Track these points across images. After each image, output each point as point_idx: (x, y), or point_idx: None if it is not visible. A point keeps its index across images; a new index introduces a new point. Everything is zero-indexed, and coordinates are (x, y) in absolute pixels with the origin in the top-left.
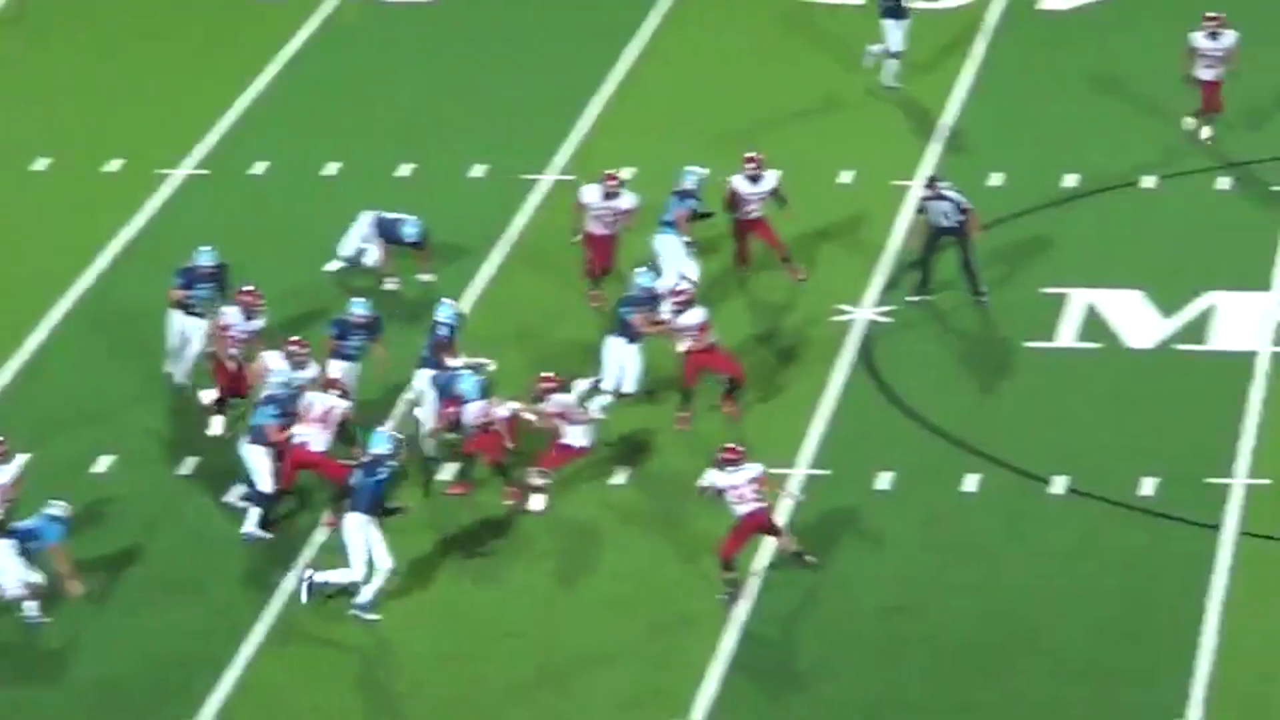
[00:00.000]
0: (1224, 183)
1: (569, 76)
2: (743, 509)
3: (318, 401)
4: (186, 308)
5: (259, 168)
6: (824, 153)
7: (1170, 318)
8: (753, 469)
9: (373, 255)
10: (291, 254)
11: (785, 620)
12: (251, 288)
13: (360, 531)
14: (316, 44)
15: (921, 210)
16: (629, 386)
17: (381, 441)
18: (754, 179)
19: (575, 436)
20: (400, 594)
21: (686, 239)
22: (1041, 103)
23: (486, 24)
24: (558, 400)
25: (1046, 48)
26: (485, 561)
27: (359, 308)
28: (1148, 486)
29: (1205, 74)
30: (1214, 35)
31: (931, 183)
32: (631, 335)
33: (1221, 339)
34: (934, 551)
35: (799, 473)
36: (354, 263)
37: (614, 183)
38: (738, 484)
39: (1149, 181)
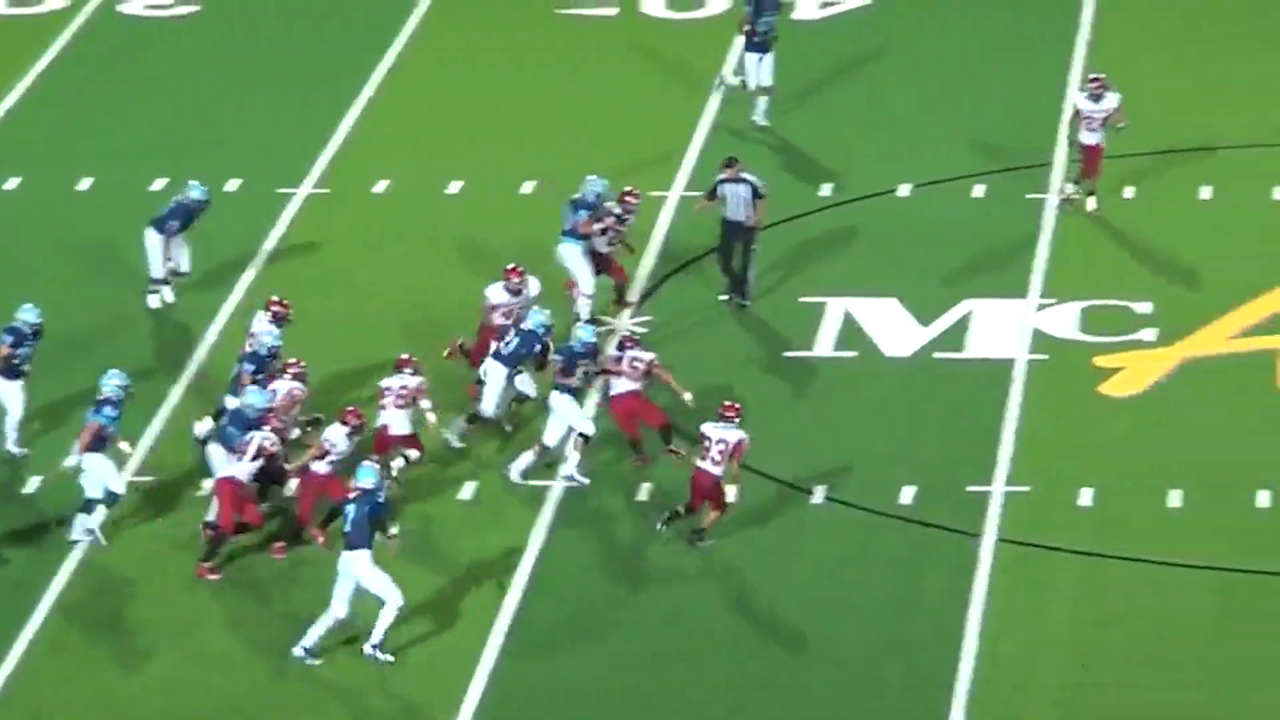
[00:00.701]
0: (979, 190)
1: (323, 91)
2: (700, 464)
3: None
4: (12, 369)
5: (11, 184)
6: (577, 163)
7: (928, 325)
8: (731, 435)
9: (182, 261)
10: (48, 271)
11: (552, 635)
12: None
13: (363, 567)
14: (67, 60)
15: (714, 194)
16: (585, 429)
17: (368, 474)
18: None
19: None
20: (173, 602)
21: (588, 242)
22: (796, 111)
23: (238, 39)
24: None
25: (795, 55)
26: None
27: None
28: (908, 495)
29: (1088, 138)
30: (1097, 97)
31: (731, 163)
32: (571, 389)
33: (979, 346)
34: (698, 562)
35: (559, 484)
36: (175, 274)
37: (518, 278)
38: (711, 439)
39: (905, 189)
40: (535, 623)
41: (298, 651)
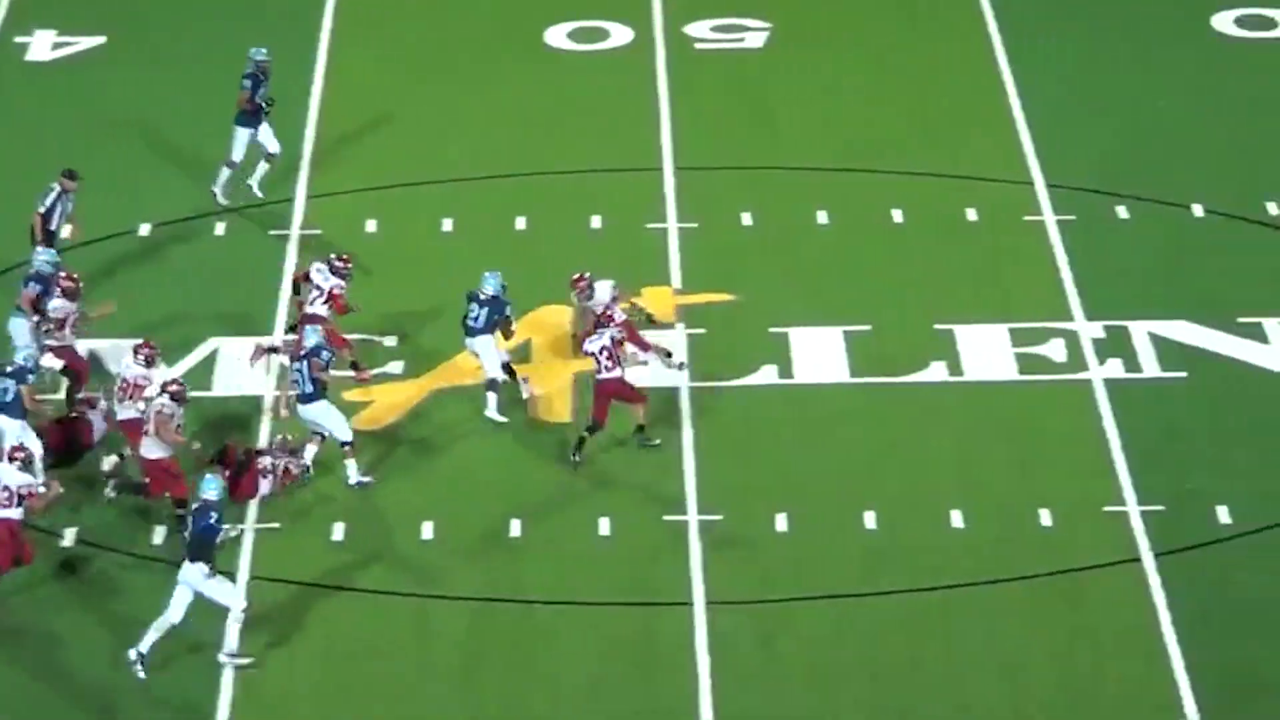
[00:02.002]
0: (221, 228)
1: None
2: (598, 376)
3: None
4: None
5: None
6: None
7: (174, 365)
8: (606, 338)
9: None
10: None
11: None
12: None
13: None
14: None
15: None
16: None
17: (211, 486)
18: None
19: None
20: None
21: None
22: (45, 152)
23: None
24: None
25: (38, 98)
26: None
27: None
28: (159, 535)
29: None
30: (588, 296)
31: (72, 176)
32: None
33: (225, 384)
34: None
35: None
36: None
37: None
38: (595, 351)
39: (145, 229)
40: None
41: (131, 655)
